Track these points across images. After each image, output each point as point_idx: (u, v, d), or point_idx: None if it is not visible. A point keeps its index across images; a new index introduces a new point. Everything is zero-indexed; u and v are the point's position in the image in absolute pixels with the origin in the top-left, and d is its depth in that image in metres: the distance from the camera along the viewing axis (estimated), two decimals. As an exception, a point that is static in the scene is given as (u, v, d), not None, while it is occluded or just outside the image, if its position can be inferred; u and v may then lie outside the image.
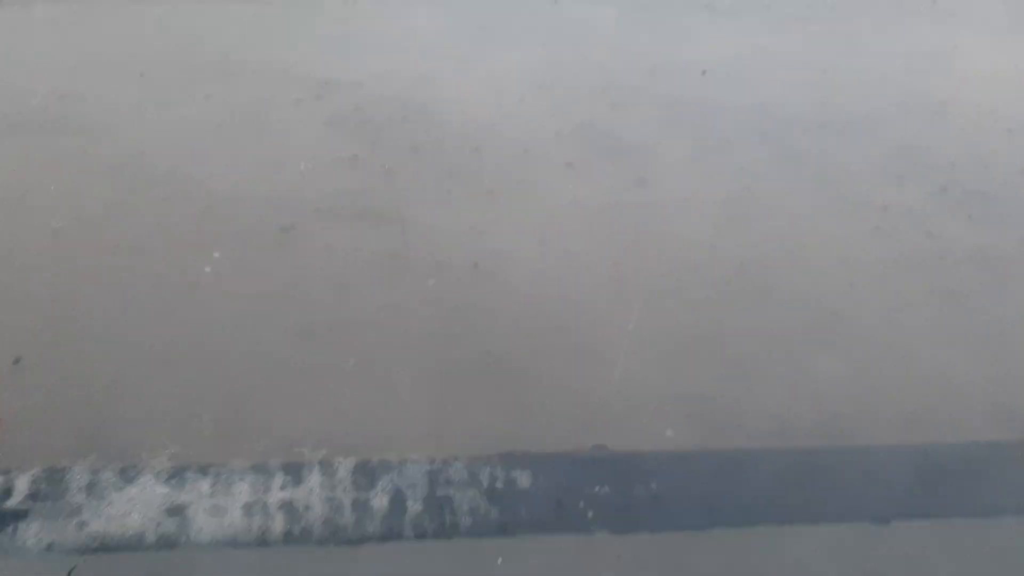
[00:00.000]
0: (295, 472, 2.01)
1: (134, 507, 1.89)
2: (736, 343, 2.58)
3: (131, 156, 3.22)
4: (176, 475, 1.97)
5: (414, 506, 1.97)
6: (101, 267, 2.63)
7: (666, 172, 3.56)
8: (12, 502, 1.88)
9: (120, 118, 3.47)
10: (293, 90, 3.84)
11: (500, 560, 1.86)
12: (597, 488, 2.05)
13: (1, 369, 2.22)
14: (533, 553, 1.89)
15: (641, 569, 1.88)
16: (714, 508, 2.04)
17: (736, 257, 3.02)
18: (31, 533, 1.82)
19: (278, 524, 1.90)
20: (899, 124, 4.23)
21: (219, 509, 1.91)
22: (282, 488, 1.97)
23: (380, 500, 1.97)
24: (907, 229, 3.30)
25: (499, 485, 2.04)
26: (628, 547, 1.93)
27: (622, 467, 2.11)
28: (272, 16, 4.65)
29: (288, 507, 1.93)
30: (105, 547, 1.81)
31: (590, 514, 1.99)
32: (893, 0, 6.39)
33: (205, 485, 1.96)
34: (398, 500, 1.98)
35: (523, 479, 2.06)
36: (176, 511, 1.90)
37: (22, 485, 1.91)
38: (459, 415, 2.22)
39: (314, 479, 2.00)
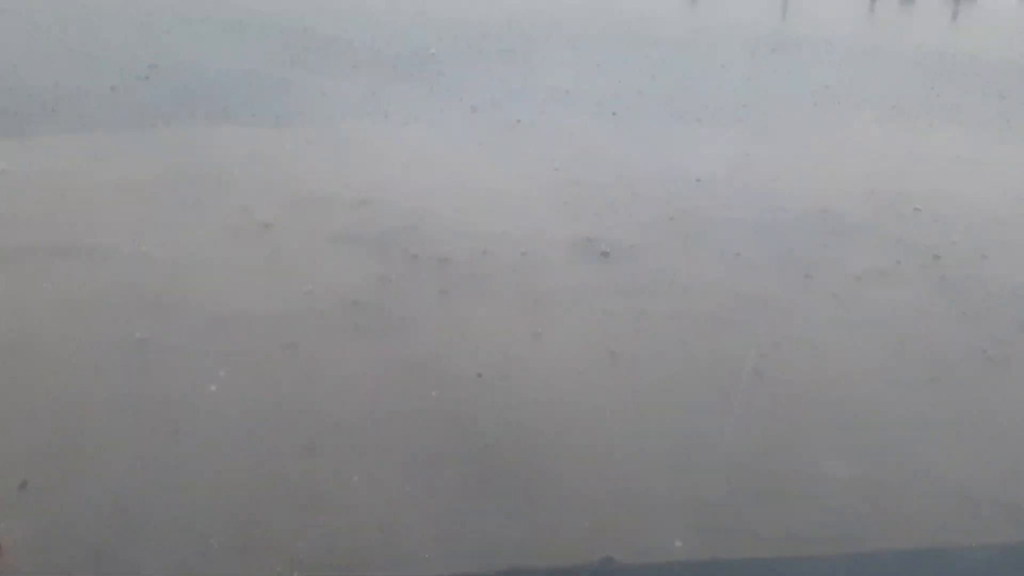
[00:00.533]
0: (301, 593, 1.98)
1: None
2: (741, 448, 2.58)
3: (135, 276, 3.28)
4: (181, 599, 1.94)
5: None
6: (107, 388, 2.65)
7: (665, 277, 3.62)
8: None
9: (122, 239, 3.55)
10: (297, 207, 3.95)
11: None
12: (607, 603, 2.01)
13: (7, 493, 2.21)
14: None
15: None
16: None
17: (738, 360, 3.04)
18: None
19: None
20: (890, 222, 4.33)
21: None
22: (288, 610, 1.94)
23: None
24: (909, 327, 3.33)
25: (508, 602, 2.00)
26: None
27: (632, 580, 2.08)
28: (276, 138, 4.81)
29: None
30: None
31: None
32: (881, 104, 6.62)
33: (210, 609, 1.93)
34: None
35: (532, 595, 2.02)
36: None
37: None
38: (466, 529, 2.21)
39: (320, 600, 1.97)
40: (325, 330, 3.03)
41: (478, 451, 2.49)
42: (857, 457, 2.56)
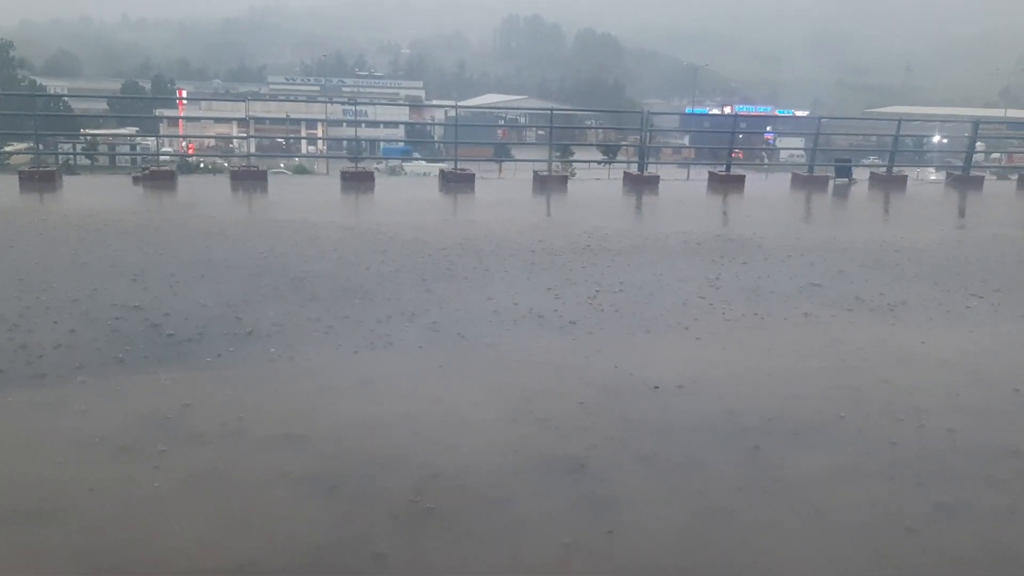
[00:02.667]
0: None
1: None
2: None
3: (97, 538, 3.17)
4: None
5: None
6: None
7: (630, 496, 3.58)
8: None
9: (80, 498, 3.46)
10: (258, 451, 3.90)
11: None
12: None
13: None
14: None
15: None
16: None
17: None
18: None
19: None
20: (862, 425, 4.37)
21: None
22: None
23: None
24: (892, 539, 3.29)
25: None
26: None
27: None
28: (222, 380, 4.82)
29: None
30: None
31: None
32: (833, 304, 6.85)
33: None
34: None
35: None
36: None
37: None
38: None
39: None
40: (282, 580, 2.92)
41: None
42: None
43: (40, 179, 12.21)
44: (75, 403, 4.35)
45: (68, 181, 13.10)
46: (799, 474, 3.81)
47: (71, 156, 23.19)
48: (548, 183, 14.26)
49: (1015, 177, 18.15)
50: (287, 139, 43.87)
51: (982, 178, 17.15)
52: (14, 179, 12.35)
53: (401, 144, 49.53)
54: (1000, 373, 5.32)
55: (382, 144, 43.33)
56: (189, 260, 7.49)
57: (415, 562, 3.06)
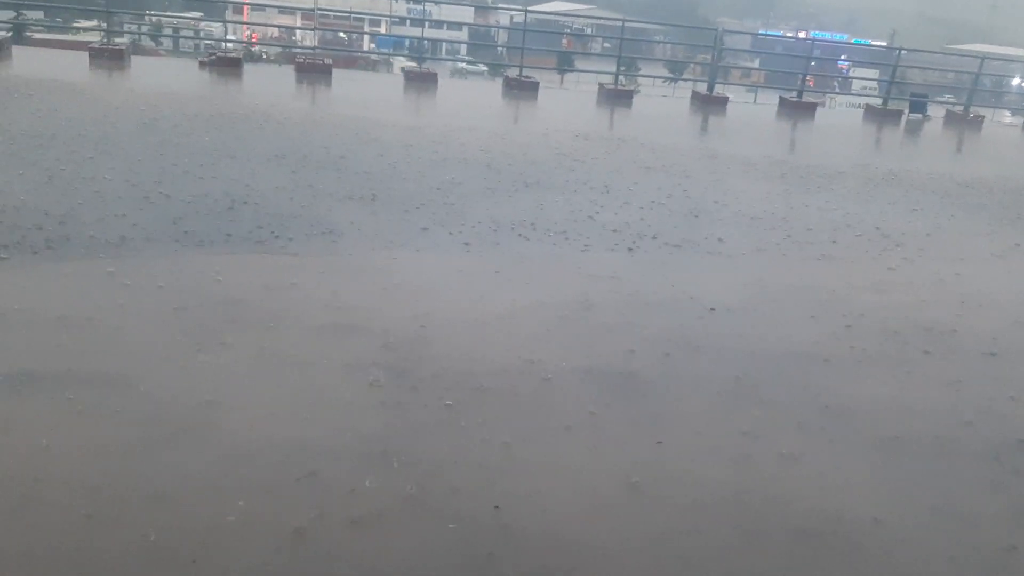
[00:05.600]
0: None
1: None
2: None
3: (155, 404, 3.31)
4: None
5: None
6: (124, 518, 2.65)
7: (682, 415, 3.63)
8: None
9: (143, 367, 3.60)
10: (313, 337, 4.01)
11: None
12: None
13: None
14: None
15: None
16: None
17: (761, 496, 3.03)
18: None
19: None
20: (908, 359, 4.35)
21: None
22: None
23: None
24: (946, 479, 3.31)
25: None
26: None
27: None
28: (289, 266, 4.92)
29: None
30: None
31: None
32: (888, 236, 6.73)
33: None
34: None
35: None
36: None
37: None
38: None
39: None
40: (344, 459, 3.04)
41: (495, 588, 2.46)
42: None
43: (109, 56, 12.30)
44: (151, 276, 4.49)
45: (136, 61, 13.19)
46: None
47: (136, 36, 23.21)
48: (615, 96, 14.01)
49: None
50: (349, 34, 43.40)
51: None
52: (83, 55, 12.45)
53: (392, 37, 46.68)
54: None
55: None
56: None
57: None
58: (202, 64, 13.07)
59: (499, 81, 15.43)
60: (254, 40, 35.91)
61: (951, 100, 19.90)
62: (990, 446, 3.57)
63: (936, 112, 16.57)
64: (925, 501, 3.13)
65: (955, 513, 3.07)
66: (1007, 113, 20.08)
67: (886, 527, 2.92)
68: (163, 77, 12.32)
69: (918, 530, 2.96)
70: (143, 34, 25.65)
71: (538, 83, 14.17)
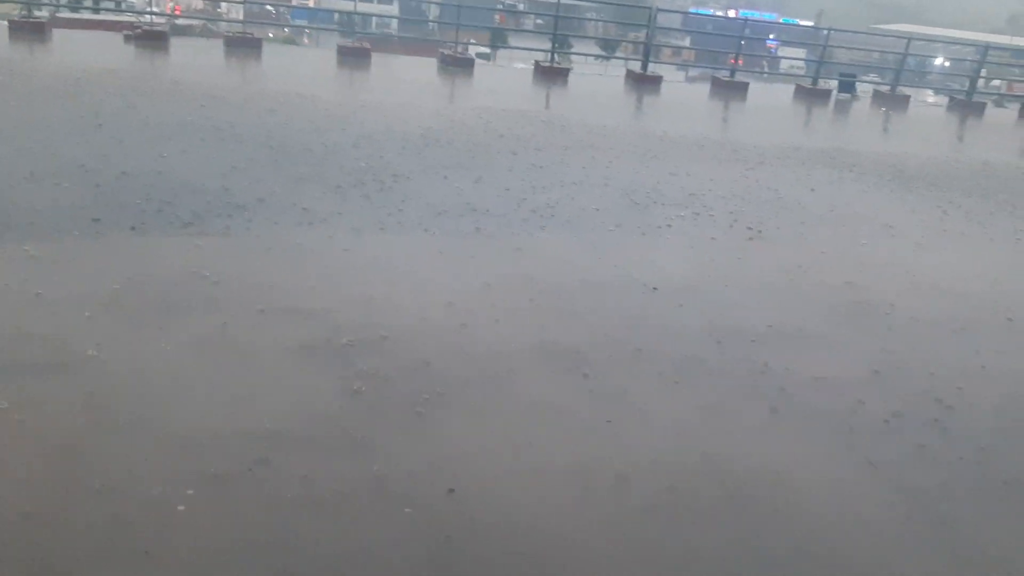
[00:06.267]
0: None
1: None
2: (734, 566, 2.59)
3: (98, 394, 3.22)
4: None
5: None
6: (71, 512, 2.57)
7: (636, 392, 3.67)
8: None
9: (85, 356, 3.49)
10: (261, 320, 3.94)
11: None
12: None
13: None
14: None
15: None
16: None
17: (717, 479, 3.09)
18: None
19: None
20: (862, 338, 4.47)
21: None
22: None
23: None
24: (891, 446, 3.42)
25: None
26: None
27: None
28: (234, 247, 4.82)
29: None
30: None
31: None
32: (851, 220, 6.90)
33: None
34: None
35: None
36: None
37: None
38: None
39: None
40: (295, 447, 3.00)
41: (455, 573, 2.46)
42: None
43: (30, 30, 11.81)
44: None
45: (58, 34, 12.68)
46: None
47: (55, 7, 22.25)
48: (550, 75, 14.01)
49: (1017, 106, 18.04)
50: (276, 8, 42.37)
51: (984, 104, 17.04)
52: (2, 28, 11.93)
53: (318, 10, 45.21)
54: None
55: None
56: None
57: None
58: (127, 37, 12.64)
59: (433, 59, 15.28)
60: (176, 11, 34.82)
61: (878, 80, 20.40)
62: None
63: (863, 91, 16.99)
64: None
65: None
66: (929, 93, 20.67)
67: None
68: (87, 52, 11.87)
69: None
70: (62, 6, 24.59)
71: (473, 60, 14.10)
